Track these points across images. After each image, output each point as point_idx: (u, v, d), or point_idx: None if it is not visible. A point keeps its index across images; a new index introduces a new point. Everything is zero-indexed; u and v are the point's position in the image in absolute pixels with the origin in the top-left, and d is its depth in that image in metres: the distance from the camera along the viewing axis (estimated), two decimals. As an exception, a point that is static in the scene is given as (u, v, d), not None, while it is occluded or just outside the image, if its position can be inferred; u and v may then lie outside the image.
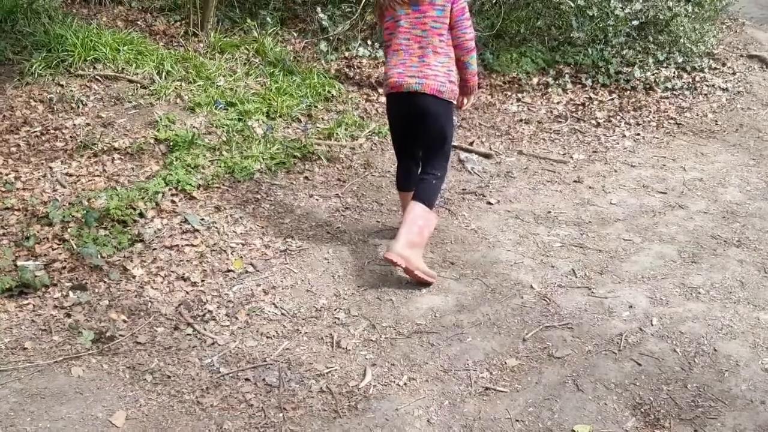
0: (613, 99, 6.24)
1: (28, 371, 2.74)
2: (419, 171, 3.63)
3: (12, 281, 3.23)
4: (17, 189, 4.08)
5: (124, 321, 3.13)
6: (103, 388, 2.71)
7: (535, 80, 6.43)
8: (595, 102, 6.15)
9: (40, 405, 2.57)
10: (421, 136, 3.55)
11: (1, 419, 2.47)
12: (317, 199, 4.29)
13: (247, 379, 2.81)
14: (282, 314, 3.23)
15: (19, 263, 3.41)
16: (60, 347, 2.91)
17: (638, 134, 5.61)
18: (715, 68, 6.98)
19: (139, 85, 5.30)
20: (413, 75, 3.41)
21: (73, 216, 3.82)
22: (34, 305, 3.18)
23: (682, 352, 2.98)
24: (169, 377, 2.80)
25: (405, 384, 2.80)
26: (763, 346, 3.01)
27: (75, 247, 3.58)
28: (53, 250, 3.58)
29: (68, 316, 3.12)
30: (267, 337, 3.07)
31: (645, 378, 2.83)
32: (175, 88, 5.30)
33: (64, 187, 4.17)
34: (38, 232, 3.68)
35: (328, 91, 5.66)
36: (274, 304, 3.30)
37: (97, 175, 4.33)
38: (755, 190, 4.64)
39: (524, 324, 3.17)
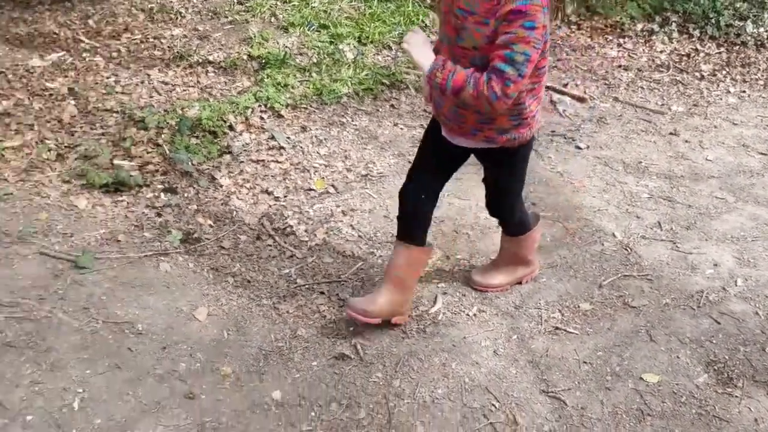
0: (720, 53, 5.88)
1: (120, 262, 2.91)
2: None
3: (109, 178, 3.39)
4: (117, 92, 4.24)
5: (210, 226, 3.25)
6: (188, 284, 2.85)
7: (639, 26, 6.12)
8: (701, 54, 5.81)
9: (130, 293, 2.73)
10: None
11: (95, 302, 2.64)
12: (402, 128, 4.28)
13: (321, 293, 2.90)
14: (359, 236, 3.29)
15: (115, 162, 3.58)
16: (150, 243, 3.07)
17: (744, 92, 5.29)
18: (840, 27, 6.44)
19: (235, 0, 5.35)
20: None
21: (167, 123, 3.95)
22: (127, 202, 3.34)
23: (765, 315, 2.88)
24: (249, 282, 2.91)
25: (475, 315, 2.83)
26: None
27: (168, 152, 3.71)
28: (147, 153, 3.73)
29: (159, 215, 3.27)
30: (343, 256, 3.14)
31: (722, 337, 2.75)
32: (271, 6, 5.32)
33: (160, 94, 4.30)
34: (134, 135, 3.82)
35: (422, 21, 5.56)
36: (351, 225, 3.36)
37: (191, 86, 4.44)
38: None
39: (602, 270, 3.12)
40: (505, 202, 2.80)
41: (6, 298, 2.55)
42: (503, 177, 2.70)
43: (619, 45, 5.83)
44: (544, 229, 3.38)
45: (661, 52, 5.79)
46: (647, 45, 5.88)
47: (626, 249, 3.27)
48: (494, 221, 3.41)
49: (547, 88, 4.88)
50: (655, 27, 6.08)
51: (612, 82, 5.19)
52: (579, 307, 2.90)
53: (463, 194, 3.60)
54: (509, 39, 2.12)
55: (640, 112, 4.78)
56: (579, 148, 4.19)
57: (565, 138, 4.30)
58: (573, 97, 4.83)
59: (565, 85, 4.99)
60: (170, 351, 2.47)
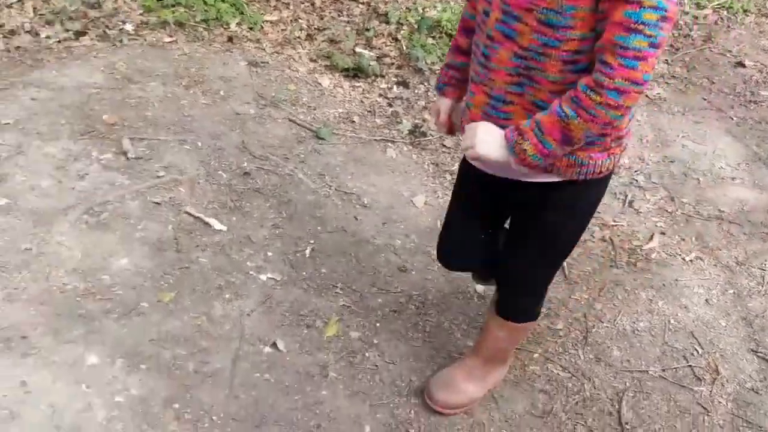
0: None
1: (353, 140, 3.12)
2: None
3: (351, 63, 3.60)
4: (365, -15, 4.41)
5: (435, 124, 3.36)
6: (409, 173, 3.00)
7: None
8: None
9: (360, 169, 2.94)
10: None
11: (330, 171, 2.87)
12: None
13: (534, 207, 2.92)
14: (579, 160, 3.23)
15: (357, 50, 3.77)
16: (380, 129, 3.25)
17: None
18: None
19: None
20: None
21: (407, 20, 4.06)
22: (363, 89, 3.53)
23: None
24: (466, 182, 3.00)
25: (691, 261, 2.71)
26: None
27: (405, 48, 3.84)
28: (386, 46, 3.88)
29: (390, 105, 3.43)
30: (561, 176, 3.11)
31: None
32: None
33: (404, -8, 4.41)
34: (376, 27, 3.98)
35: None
36: (574, 148, 3.30)
37: (435, -12, 4.49)
38: None
39: None
40: (537, 271, 1.78)
41: (258, 151, 2.86)
42: (549, 233, 1.64)
43: None
44: (786, 191, 3.11)
45: None
46: None
47: None
48: (732, 171, 3.19)
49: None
50: None
51: None
52: (811, 278, 2.67)
53: (699, 138, 3.38)
54: None
55: None
56: None
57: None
58: None
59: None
60: (389, 227, 2.66)
